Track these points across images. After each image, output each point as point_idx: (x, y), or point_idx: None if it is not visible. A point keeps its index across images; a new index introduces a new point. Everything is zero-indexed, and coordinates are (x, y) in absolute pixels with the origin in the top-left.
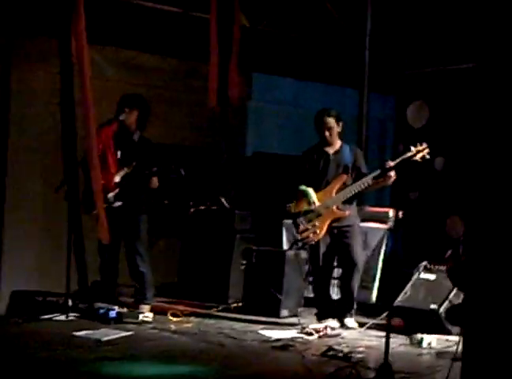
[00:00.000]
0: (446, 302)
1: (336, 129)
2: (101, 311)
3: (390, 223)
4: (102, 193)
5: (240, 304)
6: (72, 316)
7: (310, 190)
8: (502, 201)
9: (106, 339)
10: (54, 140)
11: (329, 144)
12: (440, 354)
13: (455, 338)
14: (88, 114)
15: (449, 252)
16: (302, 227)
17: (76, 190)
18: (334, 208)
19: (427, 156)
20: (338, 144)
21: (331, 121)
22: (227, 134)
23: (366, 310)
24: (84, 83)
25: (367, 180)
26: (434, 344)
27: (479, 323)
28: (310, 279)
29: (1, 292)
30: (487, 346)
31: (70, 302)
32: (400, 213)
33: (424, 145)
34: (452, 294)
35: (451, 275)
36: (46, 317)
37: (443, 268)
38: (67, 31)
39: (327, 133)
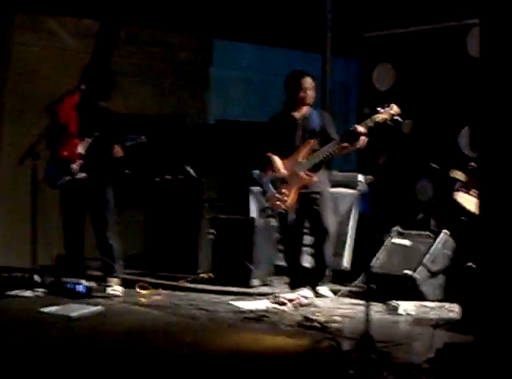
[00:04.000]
0: (421, 267)
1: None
2: (69, 286)
3: (360, 188)
4: None
5: (210, 274)
6: (39, 291)
7: (275, 157)
8: None
9: (75, 314)
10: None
11: (298, 108)
12: (417, 321)
13: (431, 304)
14: None
15: (421, 215)
16: (269, 195)
17: None
18: (301, 174)
19: (399, 119)
20: (305, 108)
21: (309, 81)
22: (189, 103)
23: (338, 277)
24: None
25: (335, 145)
26: (410, 311)
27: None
28: (281, 247)
29: None
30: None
31: (37, 278)
32: (370, 177)
33: (393, 106)
34: (426, 258)
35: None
36: (12, 293)
37: (416, 232)
38: None
39: (309, 92)
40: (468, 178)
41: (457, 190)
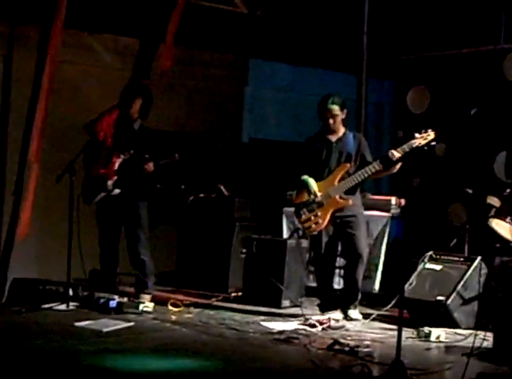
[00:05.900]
0: (454, 294)
1: (341, 116)
2: (101, 301)
3: (392, 211)
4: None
5: (240, 293)
6: (72, 305)
7: (311, 180)
8: None
9: (107, 330)
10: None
11: (332, 132)
12: (449, 348)
13: (464, 331)
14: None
15: (455, 241)
16: (304, 217)
17: None
18: (337, 197)
19: (433, 143)
20: (341, 131)
21: (335, 108)
22: (224, 121)
23: (369, 300)
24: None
25: (370, 169)
26: (442, 338)
27: None
28: (312, 268)
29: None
30: None
31: (71, 291)
32: (403, 201)
33: (430, 132)
34: (460, 285)
35: None
36: (46, 306)
37: (449, 258)
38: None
39: (331, 121)
40: (504, 205)
41: (493, 217)
